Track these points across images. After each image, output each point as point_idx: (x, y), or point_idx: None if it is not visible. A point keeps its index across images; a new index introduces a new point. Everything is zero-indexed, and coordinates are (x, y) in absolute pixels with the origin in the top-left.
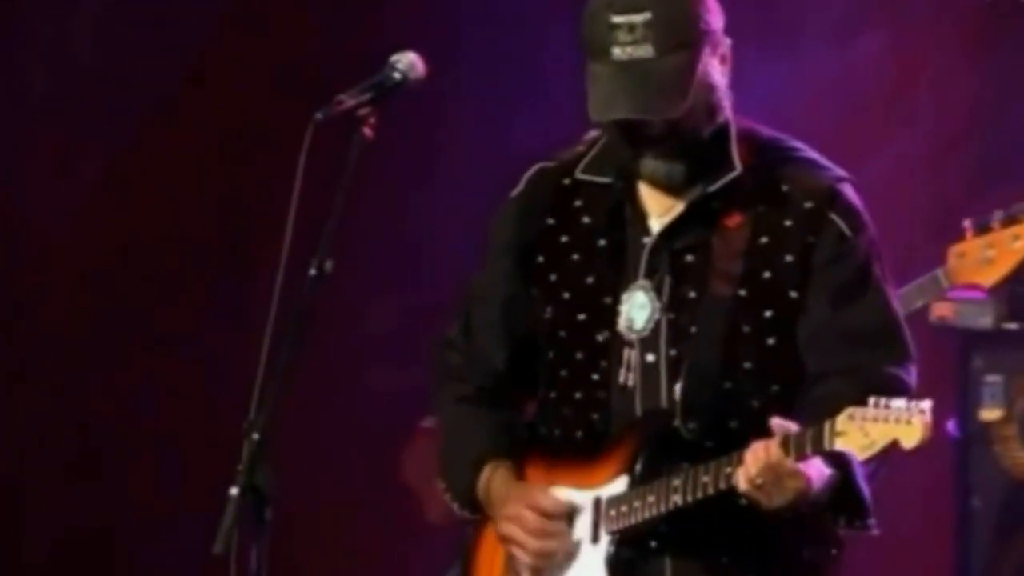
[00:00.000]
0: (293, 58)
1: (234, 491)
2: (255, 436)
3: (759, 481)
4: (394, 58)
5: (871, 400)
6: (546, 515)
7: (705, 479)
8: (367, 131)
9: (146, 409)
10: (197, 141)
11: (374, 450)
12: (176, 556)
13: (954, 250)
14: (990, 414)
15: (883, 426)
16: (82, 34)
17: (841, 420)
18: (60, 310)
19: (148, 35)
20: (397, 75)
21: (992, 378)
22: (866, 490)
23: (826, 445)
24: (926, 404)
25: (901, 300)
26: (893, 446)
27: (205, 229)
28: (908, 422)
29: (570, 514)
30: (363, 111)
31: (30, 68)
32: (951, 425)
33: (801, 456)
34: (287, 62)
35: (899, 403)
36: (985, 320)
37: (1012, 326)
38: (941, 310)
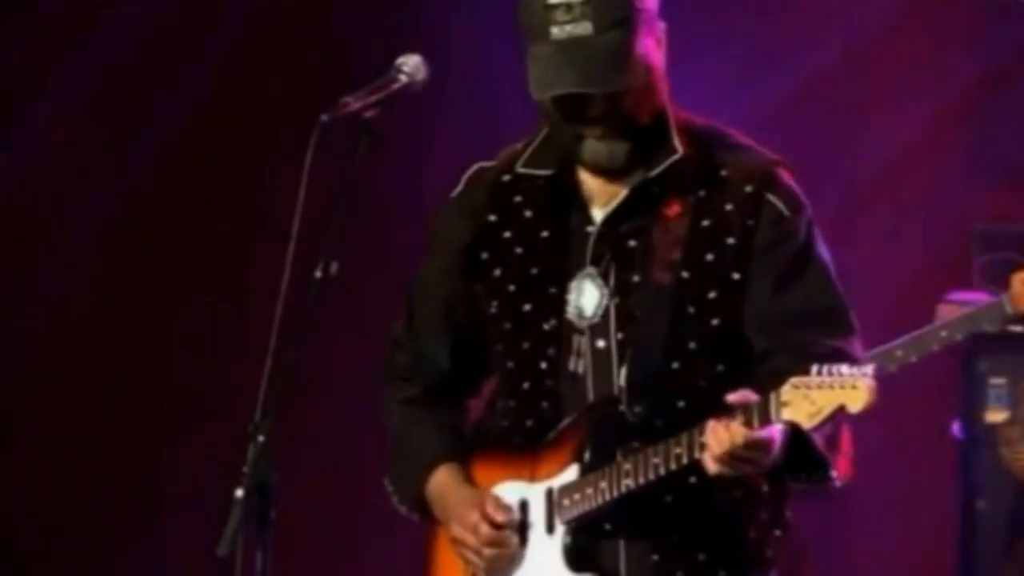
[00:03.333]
0: (294, 61)
1: (239, 493)
2: (260, 438)
3: (726, 459)
4: (400, 60)
5: (814, 368)
6: (497, 527)
7: (655, 460)
8: (373, 133)
9: (149, 412)
10: (202, 143)
11: (378, 451)
12: (180, 557)
13: (1019, 276)
14: (995, 416)
15: (829, 392)
16: (93, 36)
17: (786, 390)
18: (61, 313)
19: (151, 37)
20: (403, 77)
21: (997, 380)
22: (819, 443)
23: (772, 417)
24: (869, 368)
25: (964, 324)
26: (840, 411)
27: (209, 232)
28: (854, 387)
29: (523, 507)
30: (369, 113)
31: (41, 73)
32: (956, 427)
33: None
34: (288, 66)
35: (843, 369)
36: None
37: (1017, 329)
38: (947, 312)
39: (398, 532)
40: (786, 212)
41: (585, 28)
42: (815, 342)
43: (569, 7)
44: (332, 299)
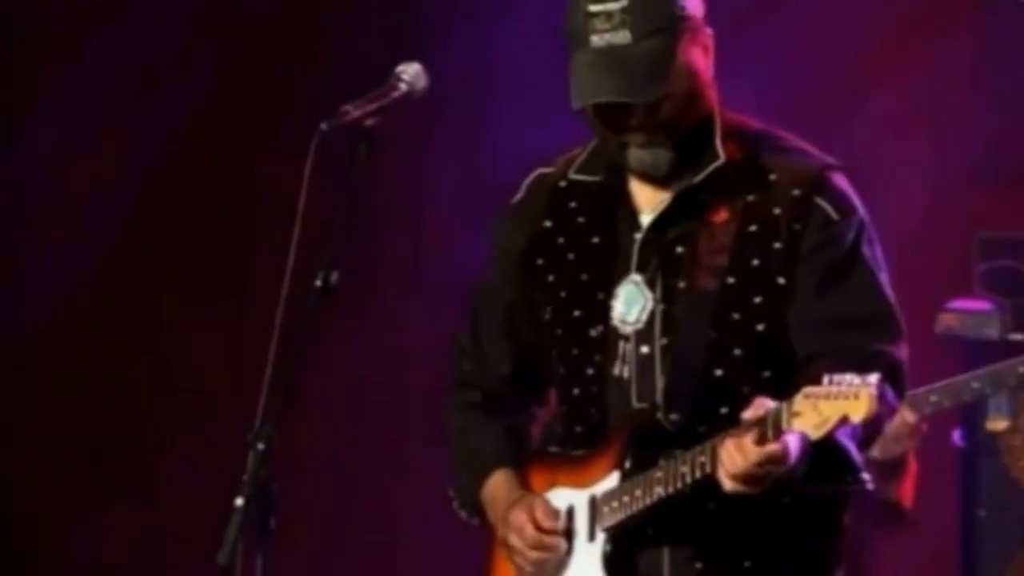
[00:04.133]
0: (292, 70)
1: (239, 501)
2: (260, 446)
3: (741, 478)
4: (399, 68)
5: (824, 378)
6: (543, 531)
7: (683, 469)
8: (373, 142)
9: (149, 421)
10: (202, 150)
11: (377, 462)
12: (179, 564)
13: None
14: (996, 425)
15: (834, 403)
16: (97, 38)
17: (797, 400)
18: (60, 317)
19: (150, 44)
20: (403, 85)
21: None
22: (850, 447)
23: (784, 427)
24: (873, 377)
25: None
26: (843, 421)
27: (208, 242)
28: (856, 396)
29: (570, 513)
30: (369, 122)
31: (35, 72)
32: (957, 436)
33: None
34: (287, 74)
35: (849, 378)
36: (991, 331)
37: (1018, 337)
38: (947, 320)
39: (399, 540)
40: (834, 216)
41: (624, 36)
42: (859, 346)
43: (609, 15)
44: (328, 302)
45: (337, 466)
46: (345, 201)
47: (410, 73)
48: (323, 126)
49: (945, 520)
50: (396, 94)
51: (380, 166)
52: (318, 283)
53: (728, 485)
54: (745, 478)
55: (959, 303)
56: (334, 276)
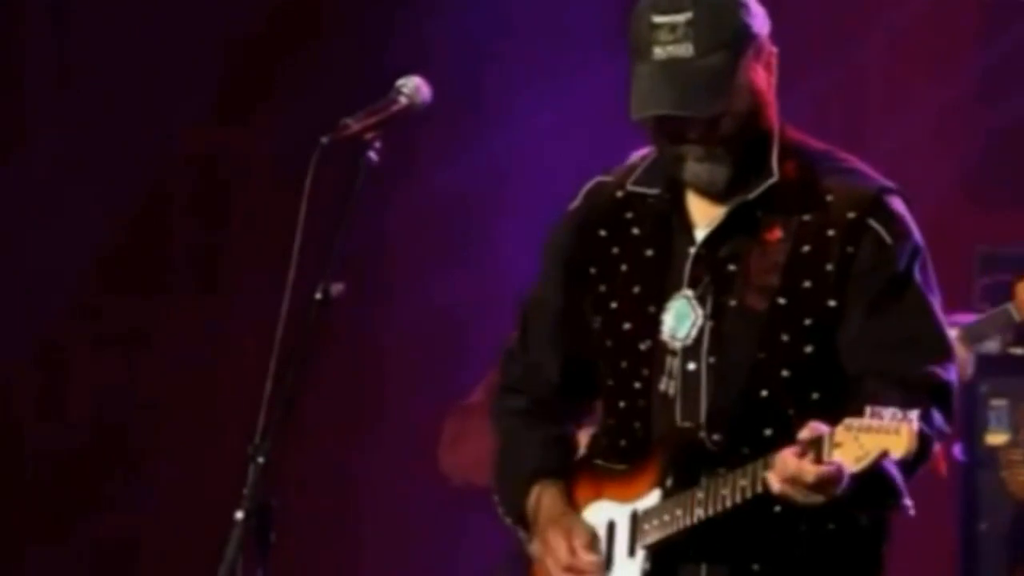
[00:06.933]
0: (291, 82)
1: (239, 515)
2: (260, 460)
3: (788, 488)
4: (400, 82)
5: (867, 410)
6: (575, 553)
7: (724, 492)
8: (373, 155)
9: (149, 435)
10: (199, 165)
11: (378, 474)
12: None
13: (1023, 284)
14: (996, 439)
15: (875, 436)
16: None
17: (839, 431)
18: (58, 334)
19: (147, 52)
20: (403, 99)
21: (998, 403)
22: (892, 470)
23: (825, 456)
24: (913, 414)
25: (972, 333)
26: (883, 456)
27: (206, 252)
28: (896, 432)
29: (611, 527)
30: (369, 135)
31: (27, 74)
32: (957, 450)
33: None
34: (286, 85)
35: (890, 412)
36: (991, 345)
37: (1018, 351)
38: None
39: (401, 553)
40: (888, 239)
41: (686, 50)
42: (906, 367)
43: (673, 27)
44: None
45: (337, 479)
46: (347, 214)
47: (410, 87)
48: (323, 140)
49: (946, 534)
50: (396, 108)
51: (379, 177)
52: (318, 296)
53: (775, 486)
54: (791, 487)
55: (960, 317)
56: (334, 288)
